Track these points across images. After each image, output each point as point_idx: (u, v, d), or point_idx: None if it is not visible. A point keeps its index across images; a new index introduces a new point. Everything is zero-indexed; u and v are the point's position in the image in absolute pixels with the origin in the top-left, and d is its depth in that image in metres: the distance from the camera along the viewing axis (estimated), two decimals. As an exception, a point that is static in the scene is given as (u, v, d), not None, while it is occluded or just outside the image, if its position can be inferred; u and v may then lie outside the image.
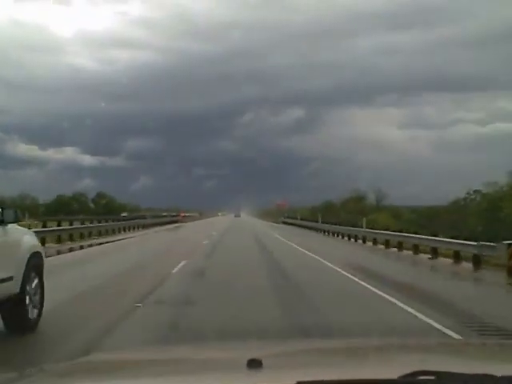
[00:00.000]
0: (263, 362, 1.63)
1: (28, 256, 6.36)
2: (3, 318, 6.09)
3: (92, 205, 78.60)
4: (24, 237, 6.55)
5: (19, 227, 6.57)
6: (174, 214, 72.03)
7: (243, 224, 61.67)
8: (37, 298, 6.52)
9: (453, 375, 1.47)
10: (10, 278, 5.91)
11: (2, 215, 6.01)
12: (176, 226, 50.17)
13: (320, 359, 2.20)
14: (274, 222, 65.90)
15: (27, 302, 6.23)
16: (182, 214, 76.64)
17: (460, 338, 6.03)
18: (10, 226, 6.14)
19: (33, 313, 6.38)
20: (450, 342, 3.96)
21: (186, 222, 63.77)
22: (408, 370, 1.48)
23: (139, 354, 2.60)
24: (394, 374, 1.47)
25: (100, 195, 79.84)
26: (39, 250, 6.80)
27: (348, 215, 50.75)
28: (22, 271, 6.18)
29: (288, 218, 60.70)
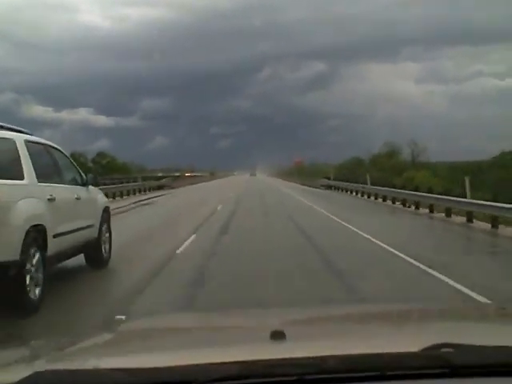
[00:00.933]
0: (286, 332, 1.65)
1: (102, 210, 8.39)
2: (85, 256, 8.10)
3: (91, 165, 79.75)
4: (99, 195, 8.57)
5: (95, 188, 8.53)
6: (177, 174, 64.59)
7: (263, 188, 45.34)
8: (107, 242, 8.56)
9: (475, 348, 1.47)
10: (92, 226, 7.93)
11: (87, 179, 7.99)
12: (143, 201, 26.76)
13: (341, 328, 2.21)
14: (304, 185, 48.29)
15: (102, 244, 8.27)
16: (188, 175, 69.49)
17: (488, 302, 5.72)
18: (90, 187, 8.12)
19: (105, 252, 8.43)
20: (474, 308, 3.76)
21: (182, 187, 46.79)
22: (431, 342, 1.47)
23: (156, 321, 2.62)
24: (415, 347, 1.47)
25: (101, 155, 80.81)
26: (108, 205, 8.82)
27: (380, 173, 41.96)
28: (99, 221, 8.20)
29: (337, 180, 40.59)
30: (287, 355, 1.46)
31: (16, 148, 6.10)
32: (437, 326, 2.20)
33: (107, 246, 8.54)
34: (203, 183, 62.36)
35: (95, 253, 8.14)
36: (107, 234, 8.57)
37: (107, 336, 2.24)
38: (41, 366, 1.53)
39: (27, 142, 6.43)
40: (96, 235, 8.06)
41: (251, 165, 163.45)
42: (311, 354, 1.44)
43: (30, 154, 6.26)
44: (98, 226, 8.14)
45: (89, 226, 7.77)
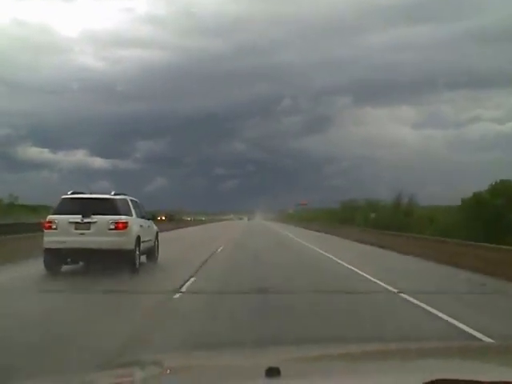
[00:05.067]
0: (281, 369, 1.68)
1: (156, 232, 16.42)
2: (146, 257, 15.92)
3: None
4: (154, 226, 16.59)
5: (152, 221, 16.52)
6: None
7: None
8: (157, 250, 16.50)
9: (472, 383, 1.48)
10: (151, 240, 15.88)
11: (149, 217, 16.05)
12: None
13: (337, 366, 2.25)
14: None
15: (155, 250, 16.22)
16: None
17: (491, 340, 5.96)
18: (150, 220, 16.13)
19: (157, 255, 16.37)
20: (470, 345, 3.74)
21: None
22: (428, 378, 1.48)
23: (151, 362, 2.71)
24: (414, 383, 1.49)
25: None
26: (158, 231, 16.84)
27: None
28: (154, 238, 16.18)
29: None
30: None
31: (128, 202, 14.11)
32: (434, 362, 2.25)
33: (157, 252, 16.51)
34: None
35: (152, 254, 16.05)
36: (157, 246, 16.55)
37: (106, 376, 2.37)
38: None
39: (130, 199, 14.45)
40: (153, 245, 16.03)
41: (250, 208, 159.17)
42: None
43: (132, 205, 14.26)
44: (154, 240, 16.13)
45: (150, 240, 15.74)
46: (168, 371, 2.34)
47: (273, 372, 1.68)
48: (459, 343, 3.98)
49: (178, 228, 46.58)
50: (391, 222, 33.05)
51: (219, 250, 21.22)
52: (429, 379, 1.49)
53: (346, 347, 3.20)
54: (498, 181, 25.90)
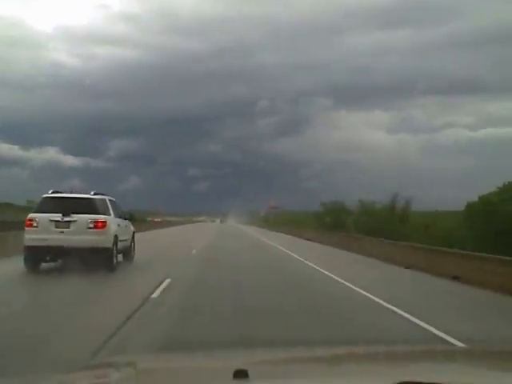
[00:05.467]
0: (249, 372, 1.72)
1: (132, 232, 16.91)
2: (123, 256, 16.41)
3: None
4: (131, 225, 17.08)
5: (129, 221, 17.01)
6: None
7: None
8: (133, 249, 16.99)
9: None
10: (128, 240, 16.37)
11: (127, 217, 16.53)
12: None
13: (305, 368, 2.27)
14: None
15: (132, 250, 16.71)
16: None
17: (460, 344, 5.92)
18: (127, 220, 16.62)
19: (133, 254, 16.86)
20: (437, 350, 3.69)
21: None
22: (393, 381, 1.53)
23: (127, 363, 2.77)
24: None
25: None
26: (134, 231, 17.34)
27: None
28: (130, 238, 16.67)
29: None
30: None
31: (106, 202, 14.60)
32: (401, 365, 2.32)
33: (133, 251, 17.00)
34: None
35: (128, 254, 16.55)
36: (133, 245, 17.05)
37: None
38: None
39: (109, 199, 14.94)
40: (129, 244, 16.52)
41: (225, 210, 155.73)
42: None
43: (110, 205, 14.76)
44: (130, 240, 16.63)
45: (127, 240, 16.23)
46: (140, 373, 2.42)
47: (240, 374, 1.74)
48: (427, 347, 4.05)
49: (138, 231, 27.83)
50: (387, 227, 27.17)
51: (160, 288, 11.00)
52: (393, 381, 1.57)
53: (314, 350, 3.24)
54: (507, 183, 21.97)
